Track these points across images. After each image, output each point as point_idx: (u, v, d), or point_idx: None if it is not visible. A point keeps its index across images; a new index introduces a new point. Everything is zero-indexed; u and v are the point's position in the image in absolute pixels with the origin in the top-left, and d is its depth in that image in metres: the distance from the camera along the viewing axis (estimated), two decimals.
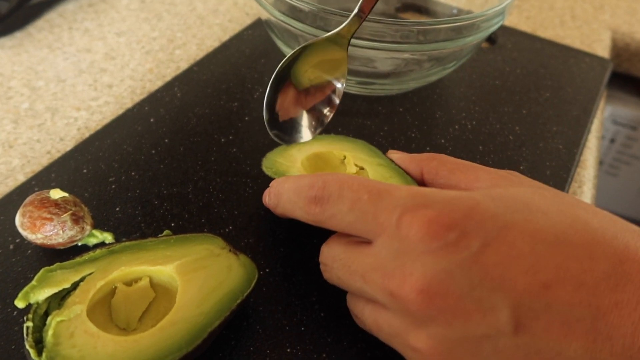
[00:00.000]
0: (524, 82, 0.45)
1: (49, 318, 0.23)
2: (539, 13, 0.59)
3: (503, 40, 0.50)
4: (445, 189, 0.23)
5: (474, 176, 0.25)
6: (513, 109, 0.42)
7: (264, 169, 0.31)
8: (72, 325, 0.23)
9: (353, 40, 0.34)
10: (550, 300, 0.19)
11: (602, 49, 0.53)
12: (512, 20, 0.56)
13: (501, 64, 0.47)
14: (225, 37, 0.49)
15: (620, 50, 0.58)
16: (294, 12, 0.35)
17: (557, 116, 0.42)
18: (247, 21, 0.51)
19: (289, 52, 0.40)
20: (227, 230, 0.31)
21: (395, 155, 0.30)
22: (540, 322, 0.19)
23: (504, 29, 0.52)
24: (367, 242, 0.23)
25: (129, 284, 0.26)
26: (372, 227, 0.22)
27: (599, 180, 0.61)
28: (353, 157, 0.31)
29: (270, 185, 0.29)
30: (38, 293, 0.23)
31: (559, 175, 0.37)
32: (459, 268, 0.20)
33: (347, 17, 0.33)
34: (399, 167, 0.29)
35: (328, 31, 0.34)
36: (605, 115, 0.68)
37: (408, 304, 0.20)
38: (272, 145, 0.37)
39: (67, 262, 0.25)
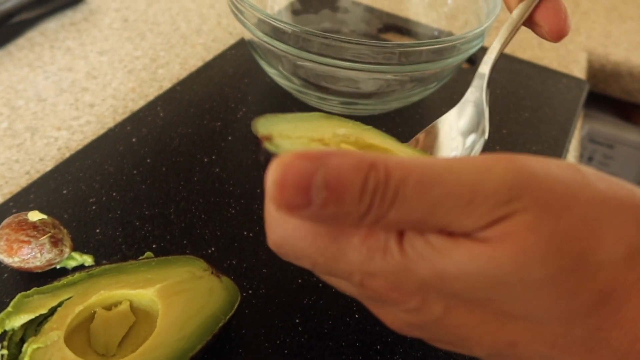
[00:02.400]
0: (504, 102, 0.46)
1: (25, 345, 0.22)
2: (517, 34, 0.60)
3: None
4: None
5: None
6: (493, 129, 0.43)
7: (259, 128, 0.21)
8: (48, 353, 0.22)
9: (335, 62, 0.34)
10: (520, 352, 0.19)
11: (579, 70, 0.55)
12: (492, 42, 0.57)
13: None
14: (209, 56, 0.49)
15: (596, 71, 0.60)
16: (276, 33, 0.35)
17: (536, 136, 0.43)
18: (231, 41, 0.52)
19: (271, 71, 0.41)
20: (209, 251, 0.31)
21: None
22: None
23: (483, 50, 0.53)
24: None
25: (108, 308, 0.25)
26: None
27: None
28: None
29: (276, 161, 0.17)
30: (14, 319, 0.23)
31: None
32: (422, 326, 0.20)
33: (330, 38, 0.33)
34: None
35: (309, 52, 0.34)
36: (582, 134, 0.69)
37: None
38: (256, 166, 0.37)
39: (44, 287, 0.24)
